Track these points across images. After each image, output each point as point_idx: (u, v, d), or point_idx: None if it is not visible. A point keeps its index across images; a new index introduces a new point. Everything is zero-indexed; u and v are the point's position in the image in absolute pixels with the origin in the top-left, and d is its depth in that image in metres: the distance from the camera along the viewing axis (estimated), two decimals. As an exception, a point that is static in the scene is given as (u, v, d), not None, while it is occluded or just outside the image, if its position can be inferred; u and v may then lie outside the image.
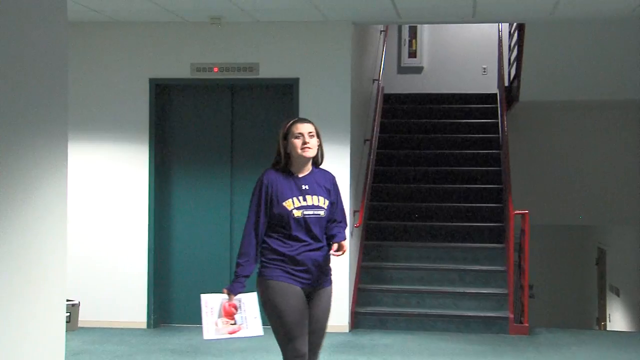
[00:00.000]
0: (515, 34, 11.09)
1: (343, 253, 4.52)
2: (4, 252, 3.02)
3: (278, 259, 4.34)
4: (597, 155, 11.41)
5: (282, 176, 4.44)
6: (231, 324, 4.25)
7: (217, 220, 8.75)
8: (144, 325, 8.59)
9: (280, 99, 8.63)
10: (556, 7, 7.60)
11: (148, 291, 8.61)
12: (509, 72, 11.76)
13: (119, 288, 8.59)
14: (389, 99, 12.18)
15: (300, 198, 4.37)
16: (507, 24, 11.93)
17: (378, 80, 11.06)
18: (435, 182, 10.58)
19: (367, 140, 9.94)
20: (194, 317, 8.60)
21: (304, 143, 4.37)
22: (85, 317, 8.50)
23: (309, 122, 4.51)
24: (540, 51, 9.66)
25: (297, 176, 4.47)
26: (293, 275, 4.34)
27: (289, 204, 4.35)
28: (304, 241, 4.36)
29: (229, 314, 4.23)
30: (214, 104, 8.83)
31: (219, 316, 4.24)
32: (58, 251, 3.41)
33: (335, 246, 4.46)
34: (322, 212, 4.40)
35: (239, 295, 4.31)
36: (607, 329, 14.23)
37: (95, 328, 8.40)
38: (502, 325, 8.24)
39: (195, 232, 8.77)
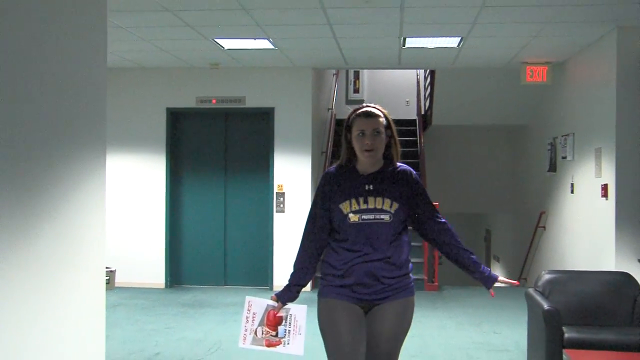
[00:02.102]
0: (429, 77, 11.20)
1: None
2: (61, 234, 3.00)
3: (330, 273, 2.86)
4: (484, 162, 11.57)
5: (344, 174, 2.90)
6: (272, 335, 2.82)
7: (214, 211, 8.76)
8: (162, 286, 8.61)
9: (261, 122, 8.62)
10: (456, 59, 7.72)
11: (165, 262, 8.64)
12: (425, 104, 11.84)
13: (144, 259, 8.62)
14: (339, 122, 12.18)
15: (361, 200, 2.80)
16: (423, 70, 12.02)
17: (331, 108, 11.09)
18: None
19: (324, 152, 9.96)
20: (198, 280, 8.69)
21: (366, 145, 2.80)
22: (119, 280, 8.52)
23: (374, 115, 2.84)
24: (445, 89, 9.77)
25: (363, 175, 2.88)
26: (343, 289, 2.81)
27: (345, 207, 2.81)
28: (359, 251, 2.78)
29: (273, 323, 2.79)
30: (212, 126, 8.78)
31: (260, 324, 2.82)
32: (99, 232, 3.39)
33: (499, 280, 2.96)
34: (386, 217, 2.78)
35: (288, 305, 2.85)
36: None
37: (127, 287, 8.45)
38: (420, 284, 8.28)
39: (198, 220, 8.77)
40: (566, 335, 4.37)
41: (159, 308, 7.31)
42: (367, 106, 2.91)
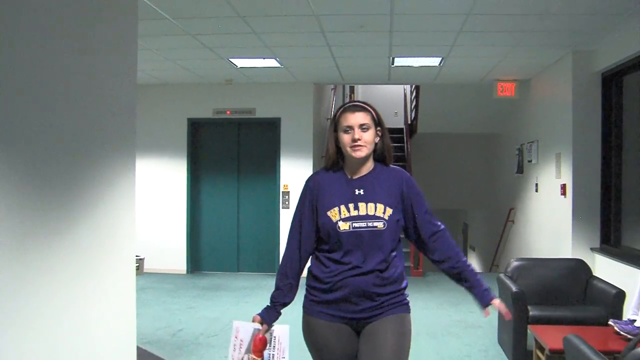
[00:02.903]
0: (414, 91, 11.21)
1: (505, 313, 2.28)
2: (98, 226, 3.03)
3: (315, 286, 2.27)
4: (462, 165, 11.55)
5: (332, 178, 2.31)
6: None
7: (228, 208, 8.74)
8: (184, 272, 8.58)
9: (269, 131, 8.63)
10: (437, 76, 7.74)
11: (186, 251, 8.62)
12: (411, 114, 11.85)
13: (169, 249, 8.60)
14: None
15: (351, 206, 2.21)
16: (409, 85, 12.04)
17: (330, 118, 11.09)
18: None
19: (323, 156, 9.94)
20: (214, 267, 8.72)
21: (354, 140, 2.23)
22: (147, 266, 8.50)
23: (361, 109, 2.27)
24: (429, 102, 9.79)
25: (352, 178, 2.29)
26: (330, 306, 2.23)
27: (334, 214, 2.21)
28: (349, 263, 2.19)
29: (259, 349, 2.26)
30: (227, 134, 8.78)
31: (247, 351, 2.28)
32: (130, 226, 3.42)
33: (495, 303, 2.24)
34: (380, 224, 2.19)
35: (273, 327, 2.31)
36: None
37: (154, 273, 8.41)
38: (407, 271, 8.28)
39: (214, 215, 8.75)
40: (531, 313, 4.42)
41: (182, 291, 7.33)
42: (355, 101, 2.37)
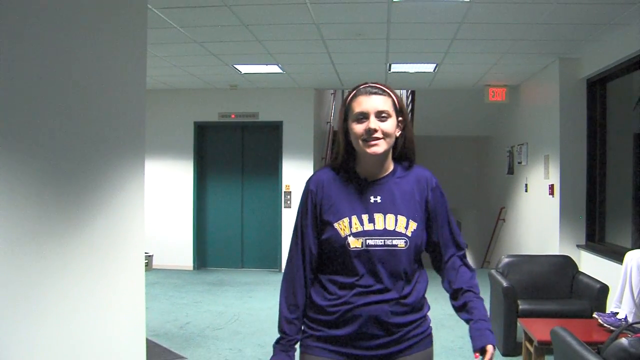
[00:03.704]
0: (410, 96, 11.19)
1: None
2: (109, 224, 3.05)
3: (316, 318, 1.68)
4: (455, 166, 11.58)
5: (340, 180, 1.69)
6: None
7: (233, 207, 8.75)
8: (191, 268, 8.57)
9: (272, 134, 8.64)
10: (432, 82, 7.75)
11: (193, 248, 8.60)
12: (406, 118, 11.84)
13: (176, 246, 8.59)
14: (336, 132, 12.11)
15: (365, 218, 1.63)
16: (405, 90, 12.04)
17: (330, 122, 11.12)
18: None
19: (323, 157, 9.99)
20: (220, 263, 8.72)
21: (369, 132, 1.61)
22: (156, 263, 8.50)
23: (381, 91, 1.67)
24: (424, 106, 9.78)
25: (366, 180, 1.69)
26: (335, 344, 1.64)
27: (343, 227, 1.63)
28: (361, 288, 1.62)
29: None
30: (231, 137, 8.78)
31: None
32: (139, 224, 3.43)
33: (489, 351, 1.69)
34: (401, 242, 1.64)
35: None
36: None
37: (162, 269, 8.40)
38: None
39: (220, 214, 8.75)
40: (520, 307, 4.43)
41: (189, 286, 7.33)
42: (372, 82, 1.70)
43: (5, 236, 2.23)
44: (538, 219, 6.87)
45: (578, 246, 5.91)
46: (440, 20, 4.92)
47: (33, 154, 2.42)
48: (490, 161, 10.18)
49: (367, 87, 1.69)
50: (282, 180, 8.48)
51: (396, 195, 1.68)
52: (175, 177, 8.65)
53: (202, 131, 8.77)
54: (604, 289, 4.37)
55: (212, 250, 8.76)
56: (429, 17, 4.87)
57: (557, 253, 5.84)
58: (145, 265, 3.89)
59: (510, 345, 4.41)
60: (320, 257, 1.70)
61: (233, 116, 8.59)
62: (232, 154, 8.77)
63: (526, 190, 7.44)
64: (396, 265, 1.64)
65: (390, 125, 1.65)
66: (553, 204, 6.24)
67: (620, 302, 3.68)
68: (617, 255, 4.99)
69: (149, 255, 8.27)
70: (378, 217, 1.64)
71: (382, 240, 1.63)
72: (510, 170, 8.24)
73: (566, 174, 6.04)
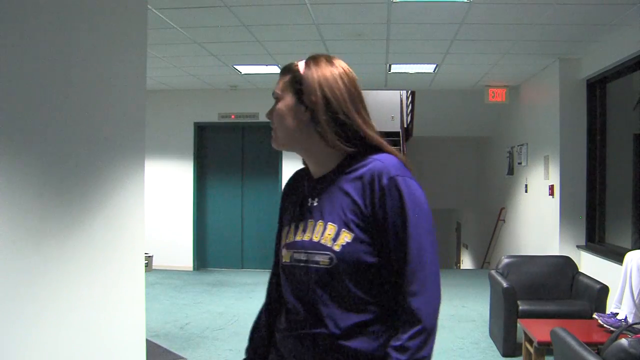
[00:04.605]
0: (410, 96, 11.21)
1: None
2: (109, 225, 3.05)
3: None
4: (455, 167, 11.59)
5: (301, 178, 1.42)
6: None
7: (233, 207, 8.76)
8: (191, 269, 8.58)
9: (271, 134, 8.63)
10: (432, 82, 7.75)
11: (193, 249, 8.62)
12: (407, 118, 11.84)
13: (176, 247, 8.59)
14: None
15: (300, 225, 1.28)
16: (405, 90, 12.06)
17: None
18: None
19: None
20: (220, 264, 8.72)
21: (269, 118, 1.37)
22: (156, 263, 8.50)
23: (281, 72, 1.39)
24: (424, 106, 9.79)
25: (312, 178, 1.34)
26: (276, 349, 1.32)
27: (284, 236, 1.35)
28: (289, 312, 1.27)
29: None
30: (231, 137, 8.79)
31: None
32: (139, 224, 3.43)
33: None
34: (324, 258, 1.18)
35: None
36: (461, 268, 14.47)
37: (162, 270, 8.41)
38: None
39: (220, 214, 8.77)
40: (520, 307, 4.43)
41: (189, 287, 7.33)
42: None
43: (6, 236, 2.23)
44: (538, 219, 6.87)
45: (578, 247, 5.91)
46: (441, 20, 4.92)
47: (33, 154, 2.42)
48: (490, 162, 10.18)
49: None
50: (282, 181, 8.48)
51: (335, 196, 1.24)
52: (175, 178, 8.65)
53: (202, 132, 8.77)
54: (604, 290, 4.37)
55: (212, 250, 8.77)
56: (429, 18, 4.87)
57: (557, 254, 5.84)
58: (145, 266, 3.88)
59: (510, 346, 4.41)
60: None
61: (233, 117, 8.59)
62: (232, 154, 8.77)
63: (526, 191, 7.44)
64: (324, 289, 1.20)
65: (281, 108, 1.30)
66: (553, 205, 6.24)
67: (620, 302, 3.68)
68: (617, 256, 4.99)
69: (149, 256, 8.28)
70: (310, 224, 1.26)
71: (305, 254, 1.23)
72: (510, 171, 8.25)
73: (566, 174, 6.04)
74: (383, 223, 1.18)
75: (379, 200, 1.19)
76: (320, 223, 1.23)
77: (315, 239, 1.22)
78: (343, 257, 1.18)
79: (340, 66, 1.31)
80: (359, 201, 1.21)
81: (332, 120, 1.25)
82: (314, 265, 1.21)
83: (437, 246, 1.19)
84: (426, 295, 1.15)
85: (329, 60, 1.31)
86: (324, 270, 1.20)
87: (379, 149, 1.26)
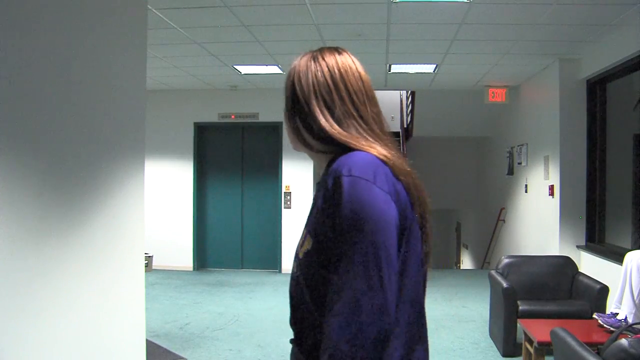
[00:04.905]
0: (410, 96, 11.20)
1: None
2: (109, 225, 3.05)
3: None
4: (455, 167, 11.58)
5: None
6: None
7: (233, 207, 8.74)
8: (191, 269, 8.58)
9: (271, 134, 8.63)
10: (432, 82, 7.75)
11: (193, 249, 8.61)
12: (407, 119, 11.83)
13: (176, 247, 8.59)
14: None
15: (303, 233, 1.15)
16: (405, 91, 12.06)
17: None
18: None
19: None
20: (219, 264, 8.72)
21: None
22: (156, 263, 8.49)
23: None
24: (424, 106, 9.78)
25: None
26: None
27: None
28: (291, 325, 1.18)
29: None
30: (231, 137, 8.78)
31: None
32: (139, 224, 3.43)
33: None
34: (295, 267, 1.14)
35: None
36: (461, 268, 14.47)
37: (162, 270, 8.41)
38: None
39: (220, 214, 8.75)
40: (520, 307, 4.43)
41: (188, 287, 7.33)
42: None
43: (6, 236, 2.23)
44: (538, 219, 6.87)
45: (578, 247, 5.91)
46: (441, 20, 4.92)
47: (33, 154, 2.43)
48: (490, 162, 10.18)
49: None
50: (282, 181, 8.48)
51: (313, 202, 1.18)
52: (175, 178, 8.65)
53: (202, 132, 8.77)
54: (603, 290, 4.37)
55: (212, 250, 8.77)
56: (429, 18, 4.87)
57: (557, 254, 5.84)
58: (145, 266, 3.89)
59: (510, 346, 4.41)
60: None
61: (233, 117, 8.60)
62: (232, 154, 8.77)
63: (526, 191, 7.44)
64: (297, 297, 1.14)
65: (286, 114, 1.25)
66: (553, 205, 6.24)
67: (620, 302, 3.68)
68: (617, 256, 4.99)
69: (149, 256, 8.28)
70: (303, 232, 1.18)
71: (294, 264, 1.18)
72: (510, 171, 8.25)
73: (566, 174, 6.04)
74: (328, 230, 1.06)
75: (327, 204, 1.07)
76: (304, 230, 1.16)
77: (298, 248, 1.17)
78: (301, 266, 1.11)
79: (330, 59, 1.25)
80: (319, 205, 1.10)
81: (300, 119, 1.19)
82: (293, 276, 1.16)
83: (382, 261, 1.01)
84: (340, 317, 0.99)
85: (317, 54, 1.27)
86: (294, 281, 1.14)
87: (344, 150, 1.14)
